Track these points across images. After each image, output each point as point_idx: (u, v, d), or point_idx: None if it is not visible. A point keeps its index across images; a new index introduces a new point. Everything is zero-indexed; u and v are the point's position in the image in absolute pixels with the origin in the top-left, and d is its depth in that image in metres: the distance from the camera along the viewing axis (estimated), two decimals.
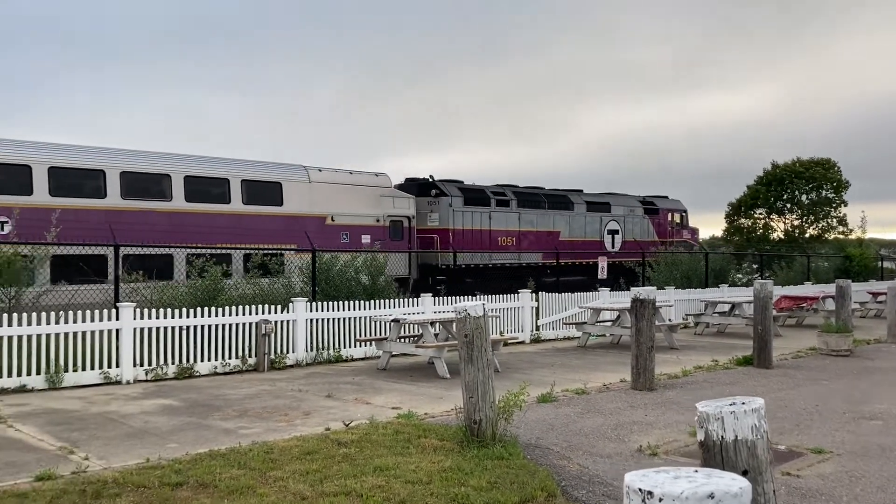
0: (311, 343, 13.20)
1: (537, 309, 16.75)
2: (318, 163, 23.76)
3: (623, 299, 16.89)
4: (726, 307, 18.45)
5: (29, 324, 10.38)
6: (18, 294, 11.69)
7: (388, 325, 13.26)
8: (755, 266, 30.46)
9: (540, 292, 17.03)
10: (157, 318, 11.48)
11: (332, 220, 20.89)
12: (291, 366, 12.74)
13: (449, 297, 15.77)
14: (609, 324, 16.02)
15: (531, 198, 27.89)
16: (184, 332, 11.71)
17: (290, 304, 13.12)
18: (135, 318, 11.24)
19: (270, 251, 16.03)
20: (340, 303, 13.75)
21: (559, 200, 28.81)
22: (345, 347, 13.59)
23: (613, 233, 30.28)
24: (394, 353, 12.59)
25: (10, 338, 10.20)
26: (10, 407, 9.09)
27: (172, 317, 11.61)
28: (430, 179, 25.33)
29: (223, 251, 16.66)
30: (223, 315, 12.13)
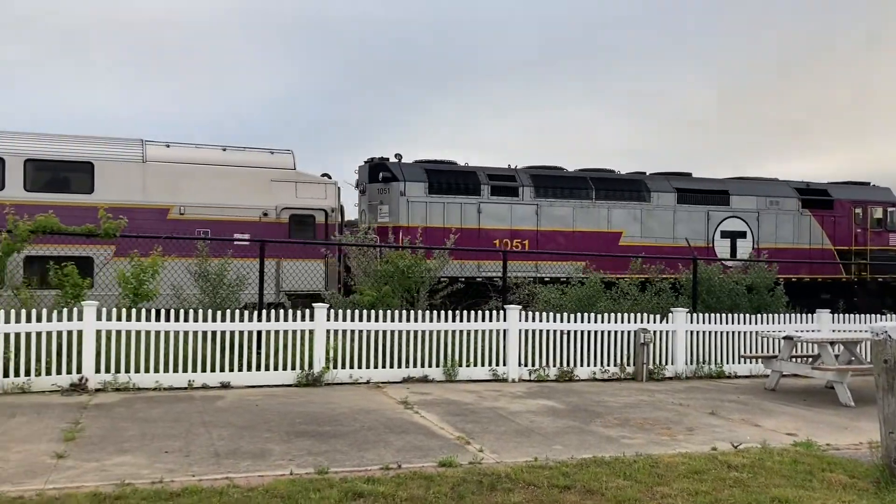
0: (691, 356, 12.69)
1: None
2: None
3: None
4: None
5: (431, 320, 11.50)
6: (420, 294, 12.98)
7: (777, 342, 12.20)
8: None
9: None
10: (540, 321, 11.95)
11: (182, 212, 15.55)
12: (670, 378, 12.36)
13: (848, 315, 14.03)
14: None
15: (565, 184, 19.94)
16: (564, 336, 12.03)
17: (670, 314, 12.76)
18: (520, 320, 11.83)
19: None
20: (724, 315, 13.01)
21: (622, 187, 20.56)
22: (727, 363, 12.83)
23: (734, 235, 21.17)
24: (784, 374, 11.51)
25: (414, 332, 11.40)
26: (416, 395, 10.11)
27: (554, 320, 12.01)
28: (397, 158, 18.90)
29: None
30: (602, 322, 12.22)
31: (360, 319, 11.17)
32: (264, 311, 10.93)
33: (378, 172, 18.79)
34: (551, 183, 19.83)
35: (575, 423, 8.67)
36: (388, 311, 11.33)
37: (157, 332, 10.27)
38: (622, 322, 12.31)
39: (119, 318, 10.18)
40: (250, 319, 10.76)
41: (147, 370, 10.15)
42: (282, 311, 10.94)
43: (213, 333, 10.61)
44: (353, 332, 11.12)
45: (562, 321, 12.05)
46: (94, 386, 9.85)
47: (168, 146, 16.42)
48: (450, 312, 11.60)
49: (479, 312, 11.78)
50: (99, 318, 10.08)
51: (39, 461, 6.37)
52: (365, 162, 19.60)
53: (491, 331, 11.74)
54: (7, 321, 9.65)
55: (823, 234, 22.36)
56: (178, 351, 10.34)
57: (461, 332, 11.61)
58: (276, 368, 10.74)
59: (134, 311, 10.32)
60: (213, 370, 10.46)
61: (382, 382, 10.98)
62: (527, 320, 11.93)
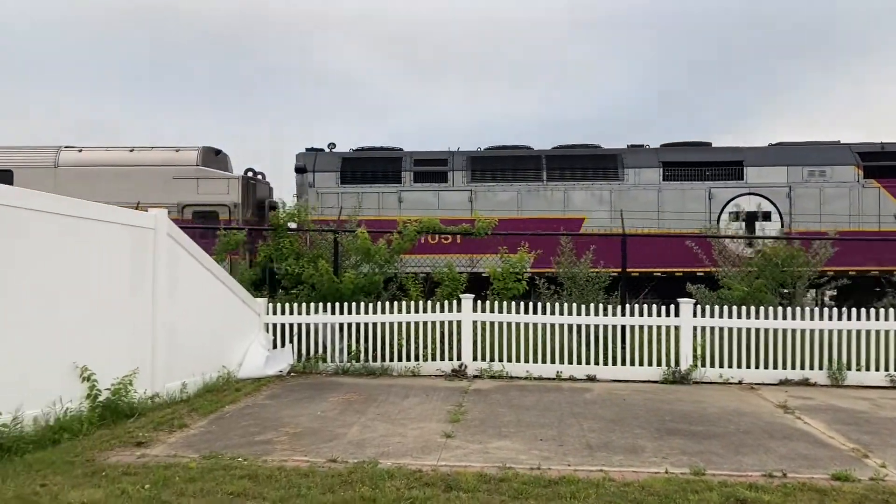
0: None
1: None
2: None
3: None
4: None
5: (812, 318, 10.46)
6: (796, 289, 11.86)
7: None
8: None
9: None
10: None
11: None
12: None
13: None
14: None
15: (508, 165, 17.22)
16: None
17: None
18: None
19: None
20: None
21: (584, 165, 17.16)
22: None
23: (750, 217, 16.52)
24: None
25: (793, 331, 10.45)
26: (796, 399, 9.24)
27: None
28: (329, 148, 17.64)
29: None
30: None
31: (730, 316, 10.56)
32: (628, 306, 10.87)
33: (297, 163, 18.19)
34: (491, 165, 17.48)
35: None
36: (762, 308, 10.55)
37: (527, 324, 10.77)
38: None
39: (492, 311, 10.87)
40: (614, 314, 10.78)
41: (517, 360, 10.70)
42: (645, 307, 10.78)
43: (579, 327, 10.82)
44: (722, 329, 10.56)
45: None
46: (471, 372, 10.64)
47: (80, 150, 16.94)
48: (835, 310, 10.45)
49: (873, 310, 10.43)
50: (475, 310, 10.88)
51: (431, 439, 7.00)
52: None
53: (888, 331, 10.32)
54: (399, 311, 10.89)
55: None
56: (545, 342, 10.73)
57: (850, 331, 10.38)
58: (640, 364, 10.61)
59: (505, 303, 10.95)
60: (578, 362, 10.67)
61: (756, 384, 10.25)
62: None
